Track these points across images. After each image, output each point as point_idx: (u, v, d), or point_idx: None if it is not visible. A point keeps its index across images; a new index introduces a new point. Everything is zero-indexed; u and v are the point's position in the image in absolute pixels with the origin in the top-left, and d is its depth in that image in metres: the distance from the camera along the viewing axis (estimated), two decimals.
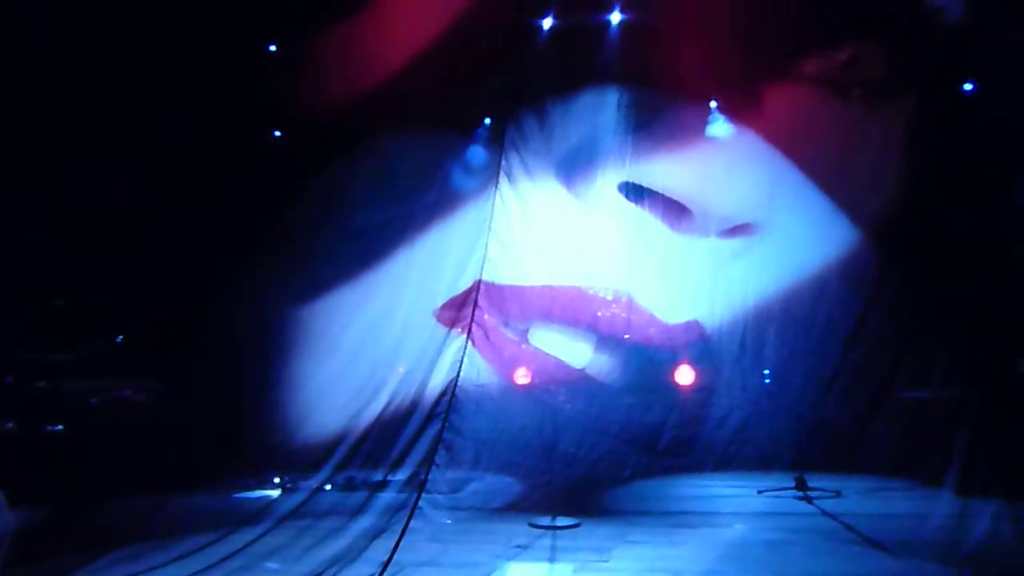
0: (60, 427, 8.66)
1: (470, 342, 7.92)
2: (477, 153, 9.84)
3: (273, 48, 10.23)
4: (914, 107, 8.85)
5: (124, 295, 9.56)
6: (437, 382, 7.87)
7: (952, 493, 6.76)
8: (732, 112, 9.52)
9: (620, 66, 9.50)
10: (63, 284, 9.46)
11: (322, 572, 5.54)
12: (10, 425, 8.53)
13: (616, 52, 9.54)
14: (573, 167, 9.47)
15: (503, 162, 8.84)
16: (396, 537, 6.03)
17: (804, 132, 9.18)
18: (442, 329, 8.51)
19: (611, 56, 9.56)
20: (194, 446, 8.50)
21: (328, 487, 8.09)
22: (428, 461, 7.19)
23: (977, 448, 6.87)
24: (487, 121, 9.95)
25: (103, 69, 8.84)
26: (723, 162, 9.34)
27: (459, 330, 8.14)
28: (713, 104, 9.67)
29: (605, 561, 5.76)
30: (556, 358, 9.33)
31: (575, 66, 9.63)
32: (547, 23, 9.66)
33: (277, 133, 10.44)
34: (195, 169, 9.35)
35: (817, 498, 7.59)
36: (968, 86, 9.08)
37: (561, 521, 6.79)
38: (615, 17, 9.60)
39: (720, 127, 9.61)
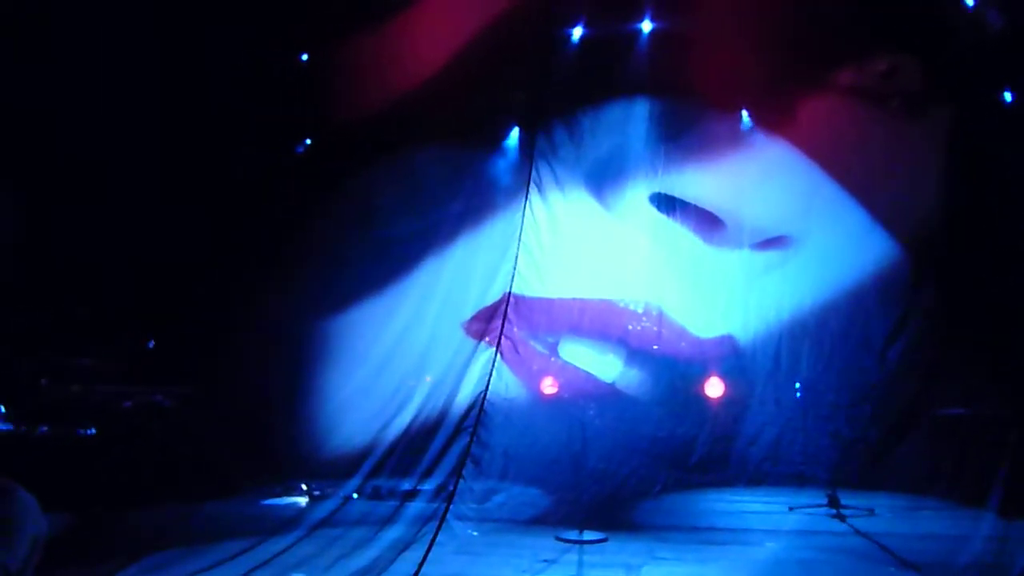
0: (93, 431, 8.72)
1: (499, 355, 7.87)
2: (506, 164, 9.82)
3: (305, 58, 10.32)
4: (953, 117, 8.70)
5: (156, 302, 9.67)
6: (465, 395, 7.85)
7: (995, 514, 6.55)
8: (766, 122, 9.42)
9: (651, 76, 9.45)
10: (94, 291, 9.57)
11: None
12: (44, 428, 8.60)
13: (647, 61, 9.49)
14: (603, 178, 9.42)
15: (533, 173, 8.79)
16: (423, 549, 5.99)
17: (840, 143, 9.06)
18: (470, 342, 8.48)
19: (642, 65, 9.51)
20: (223, 453, 8.55)
21: (356, 496, 8.10)
22: (456, 473, 7.16)
23: (1021, 467, 6.66)
24: (516, 131, 9.93)
25: (130, 77, 8.93)
26: (757, 173, 9.24)
27: (487, 342, 8.11)
28: (745, 114, 9.58)
29: None
30: (585, 371, 9.27)
31: (606, 76, 9.59)
32: (577, 32, 9.63)
33: (308, 141, 10.52)
34: (225, 180, 9.43)
35: (850, 516, 7.43)
36: (1007, 95, 8.90)
37: (588, 536, 6.71)
38: (646, 26, 9.56)
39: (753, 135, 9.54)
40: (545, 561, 6.09)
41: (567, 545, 6.56)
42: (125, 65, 8.78)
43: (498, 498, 8.18)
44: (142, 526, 7.11)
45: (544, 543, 6.64)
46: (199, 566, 5.82)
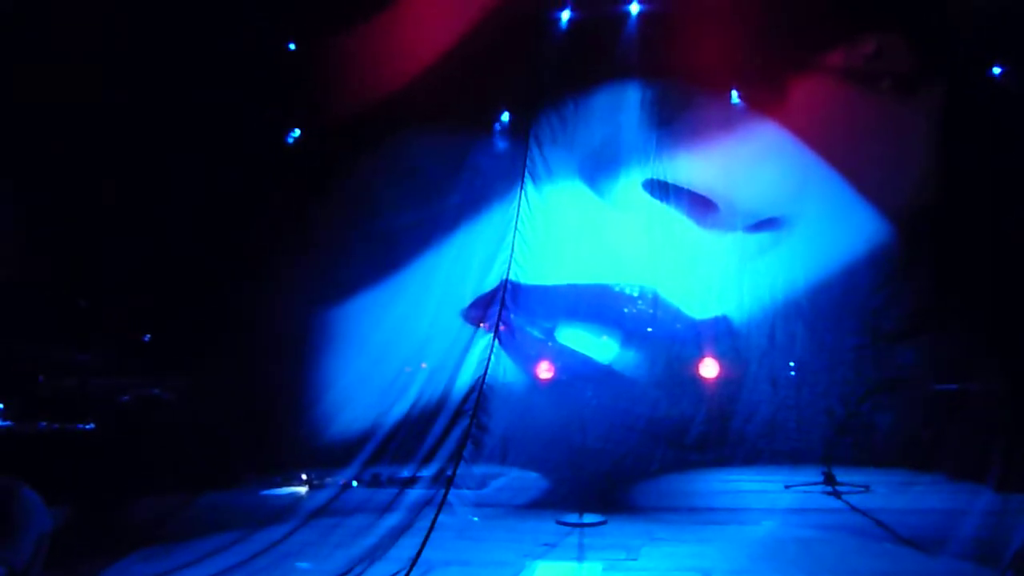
0: (91, 425, 8.72)
1: (496, 341, 7.89)
2: (502, 153, 9.81)
3: (293, 47, 10.23)
4: (943, 94, 8.70)
5: (152, 294, 9.65)
6: (464, 380, 7.87)
7: (991, 489, 6.59)
8: (757, 105, 9.43)
9: (641, 59, 9.43)
10: (91, 284, 9.55)
11: (350, 570, 5.52)
12: (43, 424, 8.60)
13: (636, 45, 9.45)
14: (597, 166, 9.50)
15: (528, 162, 8.78)
16: (423, 534, 5.98)
17: (831, 124, 9.08)
18: (469, 328, 8.52)
19: (631, 49, 9.47)
20: (222, 444, 8.55)
21: (355, 483, 8.13)
22: (455, 457, 7.18)
23: (1018, 443, 6.69)
24: (508, 119, 9.92)
25: (127, 65, 8.87)
26: (749, 156, 9.26)
27: (485, 328, 8.14)
28: (735, 95, 9.58)
29: (634, 559, 5.71)
30: (583, 355, 9.35)
31: (595, 60, 9.56)
32: (565, 16, 9.56)
33: (297, 132, 10.47)
34: (222, 170, 9.39)
35: (846, 493, 7.50)
36: (997, 70, 8.91)
37: (588, 518, 6.77)
38: (634, 8, 9.49)
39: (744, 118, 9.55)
40: (546, 545, 6.13)
41: (567, 528, 6.61)
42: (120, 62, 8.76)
43: (497, 482, 8.23)
44: (141, 518, 7.12)
45: (544, 526, 6.69)
46: (196, 555, 5.84)
